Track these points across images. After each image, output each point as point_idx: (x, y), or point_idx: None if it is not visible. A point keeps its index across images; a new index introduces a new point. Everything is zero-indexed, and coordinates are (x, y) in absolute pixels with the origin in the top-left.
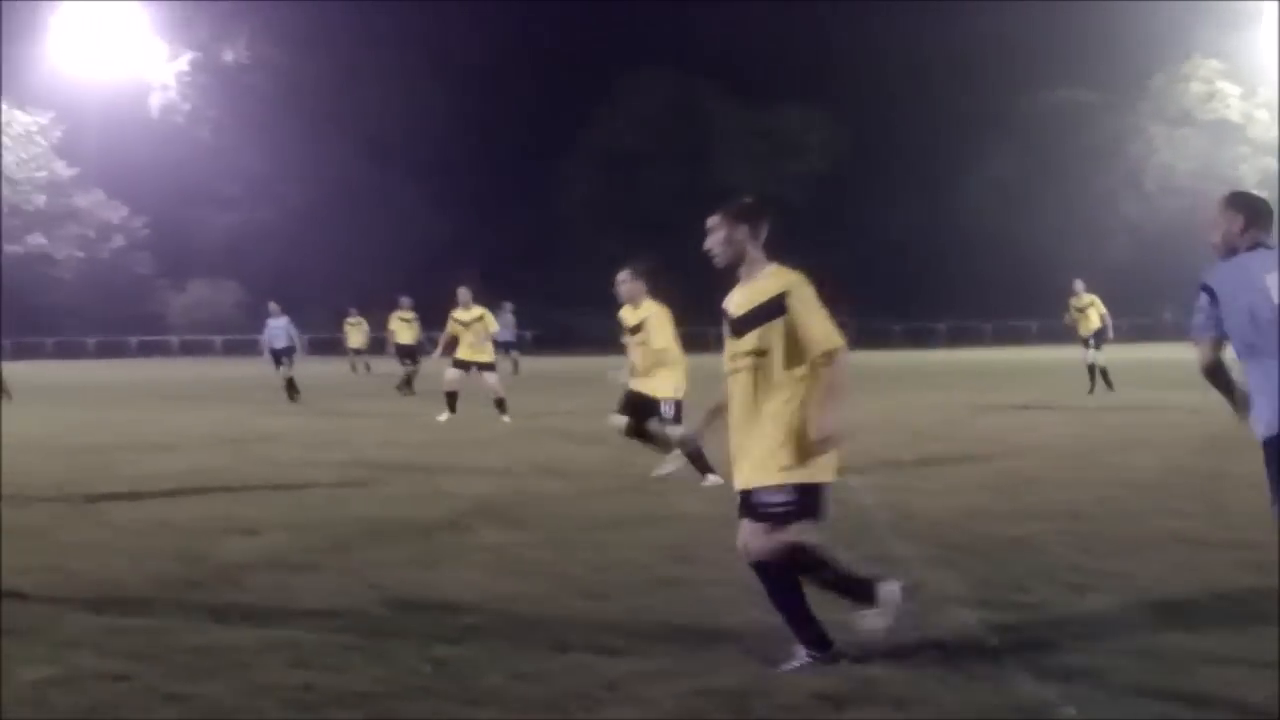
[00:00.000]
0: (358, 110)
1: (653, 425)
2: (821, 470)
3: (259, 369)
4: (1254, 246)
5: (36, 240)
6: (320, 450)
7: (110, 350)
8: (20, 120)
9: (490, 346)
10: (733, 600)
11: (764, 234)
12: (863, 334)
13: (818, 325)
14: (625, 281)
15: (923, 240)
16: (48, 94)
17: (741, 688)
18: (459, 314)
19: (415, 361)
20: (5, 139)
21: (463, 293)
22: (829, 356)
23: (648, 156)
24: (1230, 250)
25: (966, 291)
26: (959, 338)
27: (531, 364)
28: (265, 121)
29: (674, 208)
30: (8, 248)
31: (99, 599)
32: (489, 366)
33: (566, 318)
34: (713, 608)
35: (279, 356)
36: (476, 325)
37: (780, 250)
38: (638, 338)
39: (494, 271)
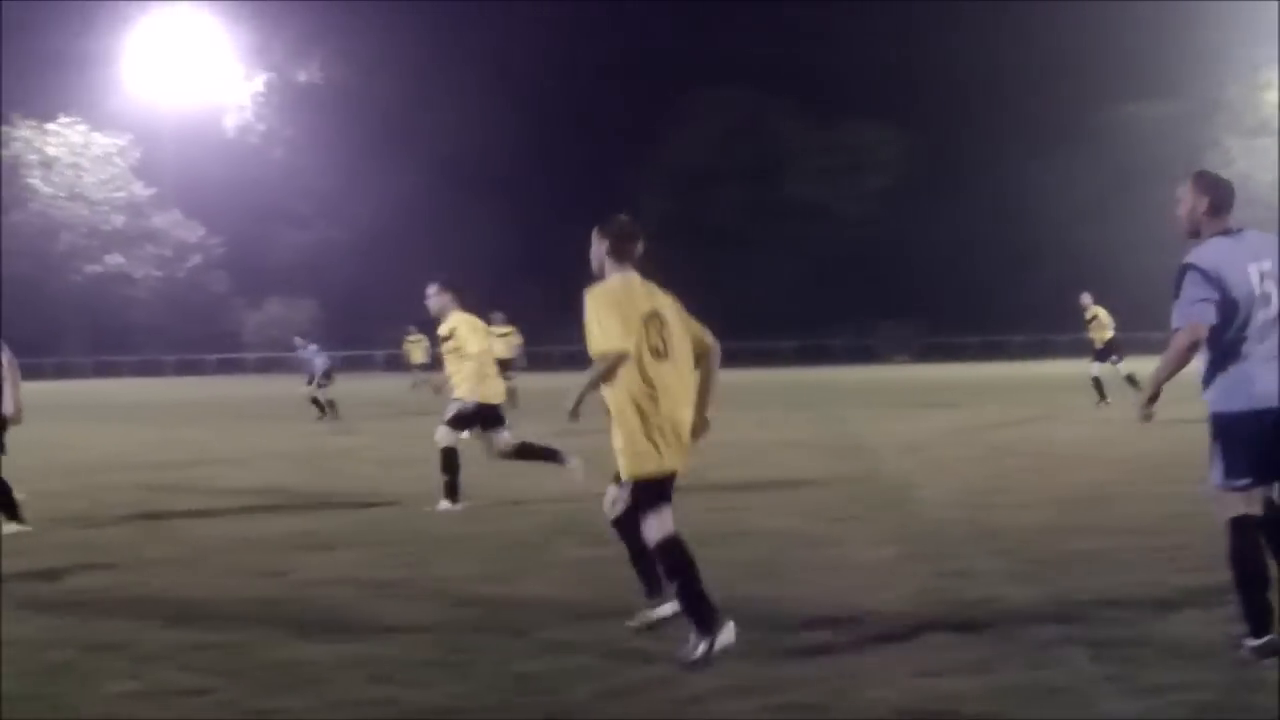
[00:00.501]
0: (430, 130)
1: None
2: (633, 464)
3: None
4: (1222, 231)
5: (115, 260)
6: (395, 467)
7: (188, 368)
8: (99, 142)
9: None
10: (815, 617)
11: (629, 251)
12: (935, 347)
13: (591, 332)
14: (433, 295)
15: (996, 254)
16: (126, 117)
17: (822, 703)
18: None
19: (509, 377)
20: (84, 161)
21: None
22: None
23: (718, 174)
24: (1194, 229)
25: (1041, 304)
26: (1034, 350)
27: None
28: (339, 141)
29: (744, 224)
30: (87, 268)
31: (179, 615)
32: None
33: None
34: (794, 624)
35: (320, 376)
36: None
37: (848, 264)
38: (448, 345)
39: (566, 289)
